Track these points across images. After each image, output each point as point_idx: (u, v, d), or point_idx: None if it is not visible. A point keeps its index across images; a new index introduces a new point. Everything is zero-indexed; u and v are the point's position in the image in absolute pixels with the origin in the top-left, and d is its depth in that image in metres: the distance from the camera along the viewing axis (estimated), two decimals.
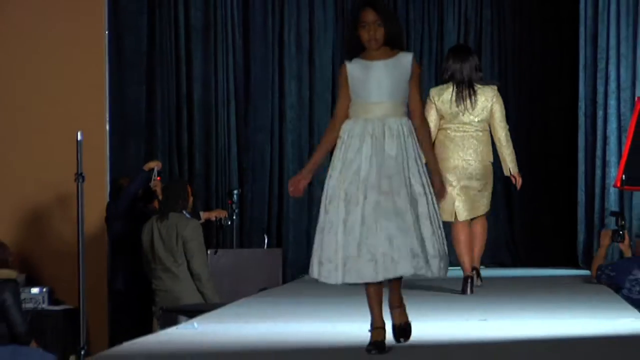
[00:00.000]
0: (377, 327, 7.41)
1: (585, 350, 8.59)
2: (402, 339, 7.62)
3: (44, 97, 14.65)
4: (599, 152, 15.74)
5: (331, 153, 7.61)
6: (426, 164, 7.83)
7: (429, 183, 7.47)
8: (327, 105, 17.39)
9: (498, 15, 17.46)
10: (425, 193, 7.39)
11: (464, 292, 12.44)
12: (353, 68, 7.48)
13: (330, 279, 7.32)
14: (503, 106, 12.79)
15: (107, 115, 14.85)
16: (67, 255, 14.06)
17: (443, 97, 12.55)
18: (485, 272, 15.38)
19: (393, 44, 7.46)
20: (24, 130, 14.56)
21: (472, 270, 12.69)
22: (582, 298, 12.43)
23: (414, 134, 7.46)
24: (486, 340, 9.11)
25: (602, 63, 15.73)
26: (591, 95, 15.83)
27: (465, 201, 12.68)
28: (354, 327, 8.51)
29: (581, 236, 16.02)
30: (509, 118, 14.95)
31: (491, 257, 16.30)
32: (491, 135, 12.70)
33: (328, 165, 7.53)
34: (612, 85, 15.65)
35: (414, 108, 7.51)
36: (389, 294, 7.58)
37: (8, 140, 14.61)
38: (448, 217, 12.40)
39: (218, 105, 16.98)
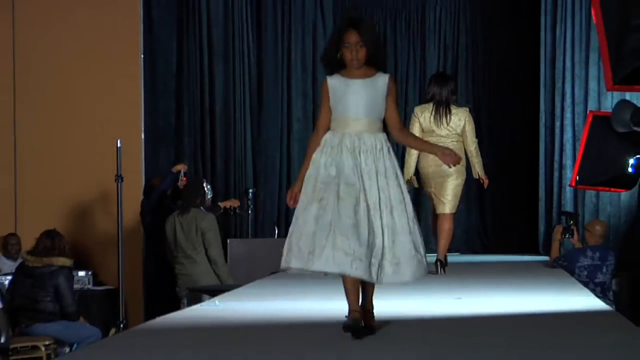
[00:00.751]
0: (353, 310, 7.00)
1: (544, 323, 8.65)
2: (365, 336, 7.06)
3: (90, 111, 14.71)
4: (556, 157, 15.85)
5: None
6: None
7: (404, 194, 7.09)
8: None
9: (472, 43, 17.42)
10: (401, 201, 7.01)
11: (437, 272, 12.80)
12: (334, 83, 7.12)
13: (300, 264, 6.97)
14: (473, 125, 13.18)
15: (142, 125, 14.79)
16: (109, 243, 14.19)
17: (425, 114, 13.04)
18: (461, 257, 15.71)
19: (373, 64, 7.11)
20: (73, 139, 14.50)
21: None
22: (542, 280, 12.51)
23: (388, 148, 7.10)
24: (460, 315, 9.21)
25: (559, 82, 15.83)
26: (550, 109, 15.92)
27: (441, 199, 13.09)
28: None
29: (541, 227, 16.17)
30: (482, 130, 15.58)
31: (465, 245, 16.47)
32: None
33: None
34: (568, 101, 15.71)
35: (393, 120, 7.18)
36: (361, 299, 7.18)
37: (60, 147, 14.53)
38: (439, 209, 13.08)
39: (236, 117, 17.00)
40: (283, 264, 7.12)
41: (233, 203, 15.58)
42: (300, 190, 7.08)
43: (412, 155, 13.01)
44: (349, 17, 7.25)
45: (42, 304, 11.83)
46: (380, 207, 6.97)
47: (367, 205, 6.94)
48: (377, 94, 7.08)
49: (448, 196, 13.07)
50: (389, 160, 7.07)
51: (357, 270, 6.80)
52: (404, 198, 7.05)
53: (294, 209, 7.11)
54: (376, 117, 7.10)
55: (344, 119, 7.05)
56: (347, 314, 7.10)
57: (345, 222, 6.83)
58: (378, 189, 6.97)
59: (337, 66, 7.14)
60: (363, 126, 7.03)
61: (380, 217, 6.97)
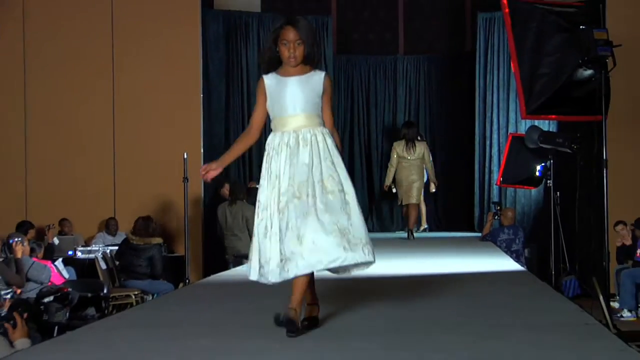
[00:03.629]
0: (290, 307, 5.09)
1: (477, 277, 8.75)
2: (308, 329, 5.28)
3: (165, 133, 14.63)
4: (487, 165, 15.81)
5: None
6: None
7: (347, 181, 5.30)
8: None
9: (428, 87, 17.28)
10: (341, 191, 5.24)
11: (408, 238, 14.25)
12: (269, 81, 5.43)
13: (269, 279, 5.21)
14: (429, 151, 14.98)
15: (202, 143, 14.68)
16: (179, 224, 14.22)
17: (400, 147, 14.76)
18: (423, 233, 15.77)
19: (309, 62, 5.42)
20: (156, 152, 14.33)
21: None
22: (476, 249, 12.50)
23: (329, 139, 5.38)
24: (420, 274, 9.27)
25: (489, 113, 15.80)
26: (482, 132, 15.89)
27: (409, 195, 14.59)
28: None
29: (476, 213, 16.09)
30: (436, 147, 15.73)
31: (427, 224, 16.49)
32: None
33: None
34: (495, 127, 15.66)
35: (326, 120, 5.45)
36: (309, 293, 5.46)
37: (147, 157, 14.40)
38: (406, 202, 14.76)
39: (266, 134, 16.55)
40: (252, 278, 5.40)
41: None
42: (217, 170, 5.48)
43: (392, 169, 14.76)
44: (287, 17, 5.51)
45: (138, 268, 11.93)
46: (326, 197, 5.20)
47: (311, 201, 5.17)
48: (313, 91, 5.39)
49: (413, 193, 14.69)
50: (330, 152, 5.33)
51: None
52: (342, 187, 5.27)
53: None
54: (314, 114, 5.38)
55: (282, 119, 5.37)
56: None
57: (291, 228, 5.12)
58: (317, 184, 5.20)
59: (275, 65, 5.48)
60: (301, 121, 5.34)
61: (325, 207, 5.17)
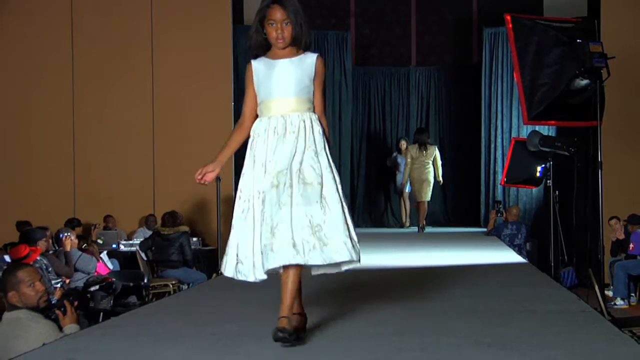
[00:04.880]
0: (281, 316, 4.30)
1: (483, 269, 8.77)
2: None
3: (198, 135, 14.62)
4: (492, 166, 15.77)
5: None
6: None
7: (329, 172, 4.45)
8: (348, 144, 16.90)
9: (438, 95, 17.30)
10: (319, 183, 4.39)
11: (419, 232, 14.88)
12: (258, 66, 4.61)
13: (248, 277, 4.44)
14: (439, 154, 15.17)
15: None
16: (211, 219, 14.25)
17: (413, 150, 15.07)
18: (432, 228, 15.73)
19: (299, 44, 4.59)
20: (191, 153, 14.30)
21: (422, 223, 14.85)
22: (482, 243, 12.48)
23: (317, 126, 4.54)
24: (425, 265, 9.28)
25: (494, 120, 15.74)
26: (487, 136, 15.84)
27: (421, 193, 14.90)
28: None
29: (482, 210, 16.01)
30: (447, 151, 15.64)
31: (435, 220, 16.45)
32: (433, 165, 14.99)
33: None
34: (499, 131, 15.64)
35: (317, 105, 4.63)
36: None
37: (182, 158, 14.44)
38: (418, 199, 15.10)
39: None
40: (227, 274, 4.56)
41: None
42: (215, 172, 4.68)
43: (407, 169, 15.22)
44: None
45: (170, 256, 11.97)
46: (304, 187, 4.39)
47: (290, 191, 4.36)
48: (304, 73, 4.57)
49: (425, 191, 14.96)
50: (317, 140, 4.51)
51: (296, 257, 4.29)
52: (322, 179, 4.42)
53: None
54: (305, 98, 4.56)
55: (269, 102, 4.55)
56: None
57: (266, 220, 4.36)
58: (298, 173, 4.39)
59: (263, 48, 4.65)
60: (291, 105, 4.52)
61: (303, 199, 4.36)
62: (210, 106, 14.83)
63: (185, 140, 14.85)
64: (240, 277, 4.47)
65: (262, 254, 4.36)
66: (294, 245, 4.27)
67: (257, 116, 4.63)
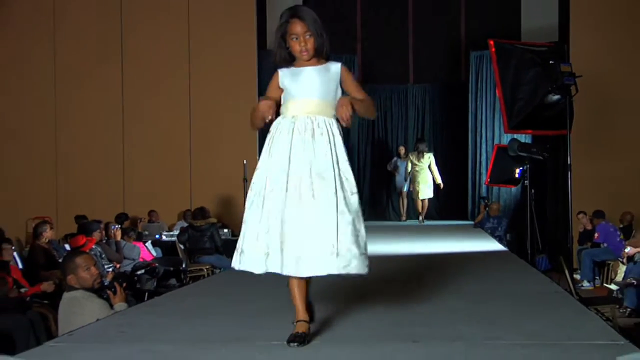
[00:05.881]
0: (299, 320, 3.81)
1: (470, 256, 8.70)
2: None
3: (228, 144, 14.60)
4: (477, 168, 15.71)
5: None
6: None
7: (347, 178, 3.80)
8: (355, 149, 16.80)
9: (432, 108, 17.25)
10: (336, 189, 3.72)
11: (419, 223, 15.03)
12: (284, 75, 3.95)
13: (253, 267, 3.77)
14: (434, 160, 15.27)
15: (257, 153, 14.77)
16: (239, 214, 14.32)
17: (413, 156, 15.26)
18: (427, 221, 15.69)
19: (321, 53, 3.95)
20: (223, 159, 14.50)
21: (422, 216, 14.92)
22: (469, 234, 12.42)
23: (337, 131, 3.86)
24: (420, 252, 9.23)
25: (479, 129, 15.65)
26: (474, 143, 15.76)
27: (419, 192, 15.16)
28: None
29: (469, 206, 15.97)
30: (439, 156, 15.66)
31: (429, 214, 16.37)
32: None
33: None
34: (484, 139, 15.56)
35: (361, 94, 3.99)
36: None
37: (217, 163, 14.54)
38: (421, 197, 15.34)
39: None
40: (237, 266, 3.85)
41: None
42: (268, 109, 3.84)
43: (408, 171, 15.45)
44: (290, 8, 4.02)
45: (204, 245, 11.95)
46: (343, 194, 3.76)
47: (326, 196, 3.71)
48: (329, 81, 3.94)
49: (424, 190, 15.31)
50: (334, 145, 3.82)
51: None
52: (341, 184, 3.76)
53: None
54: (329, 102, 3.90)
55: (294, 101, 3.90)
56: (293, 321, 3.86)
57: (291, 222, 3.70)
58: (336, 178, 3.76)
59: (289, 62, 4.00)
60: (316, 107, 3.88)
61: (339, 205, 3.73)
62: (239, 119, 14.69)
63: (217, 148, 14.83)
64: (243, 268, 3.82)
65: (267, 254, 3.74)
66: (299, 259, 3.66)
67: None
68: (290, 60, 3.99)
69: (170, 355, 3.60)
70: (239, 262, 3.82)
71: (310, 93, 3.91)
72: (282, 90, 3.97)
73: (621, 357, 3.26)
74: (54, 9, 15.03)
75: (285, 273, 3.72)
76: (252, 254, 3.77)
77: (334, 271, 3.66)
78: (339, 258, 3.66)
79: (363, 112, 3.97)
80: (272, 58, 4.07)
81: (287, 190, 3.76)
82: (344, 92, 4.01)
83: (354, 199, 3.80)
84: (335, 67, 3.99)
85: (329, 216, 3.70)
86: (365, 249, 3.78)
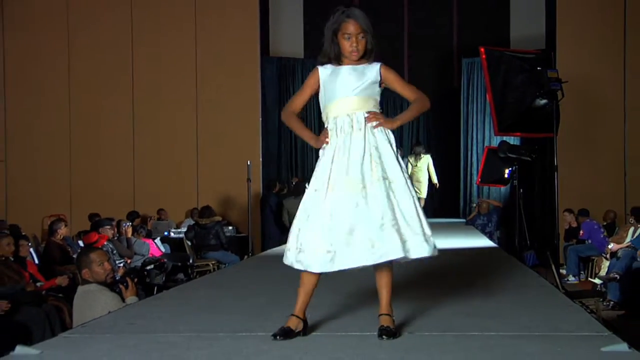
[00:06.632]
0: (294, 314, 3.72)
1: (461, 252, 8.70)
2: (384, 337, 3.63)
3: (233, 146, 14.57)
4: (469, 169, 15.75)
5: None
6: None
7: (394, 168, 3.74)
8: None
9: (426, 112, 17.50)
10: (385, 178, 3.67)
11: None
12: (325, 71, 3.80)
13: (310, 267, 3.62)
14: (431, 161, 15.42)
15: (260, 154, 14.77)
16: (244, 212, 14.19)
17: (412, 158, 15.40)
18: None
19: (370, 56, 3.83)
20: (226, 160, 14.49)
21: None
22: (461, 231, 12.45)
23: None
24: None
25: (470, 131, 15.70)
26: (466, 145, 15.80)
27: (418, 191, 14.77)
28: None
29: (461, 204, 16.01)
30: (436, 158, 15.60)
31: (424, 212, 16.38)
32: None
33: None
34: (475, 141, 15.61)
35: (413, 92, 3.99)
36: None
37: (219, 165, 14.50)
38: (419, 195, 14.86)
39: (306, 152, 16.13)
40: (294, 264, 3.70)
41: None
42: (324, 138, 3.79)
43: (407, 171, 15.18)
44: (345, 8, 3.83)
45: (209, 242, 11.96)
46: (377, 185, 3.65)
47: (362, 190, 3.62)
48: (368, 78, 3.80)
49: (421, 190, 15.29)
50: (384, 138, 3.84)
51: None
52: (388, 175, 3.71)
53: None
54: (369, 97, 3.81)
55: (334, 103, 3.78)
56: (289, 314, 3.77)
57: (336, 217, 3.61)
58: (366, 172, 3.67)
59: (336, 59, 3.83)
60: (353, 104, 3.76)
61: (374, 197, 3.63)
62: (243, 122, 14.86)
63: (223, 149, 14.79)
64: (298, 266, 3.68)
65: (330, 252, 3.59)
66: (372, 246, 3.56)
67: (298, 113, 3.92)
68: (337, 57, 3.83)
69: (178, 345, 3.60)
70: (295, 259, 3.69)
71: (346, 92, 3.79)
72: (317, 86, 3.87)
73: (606, 348, 3.26)
74: (67, 25, 15.04)
75: (354, 265, 3.60)
76: (313, 253, 3.63)
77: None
78: (429, 242, 3.76)
79: (415, 115, 4.05)
80: (322, 53, 3.88)
81: (333, 191, 3.67)
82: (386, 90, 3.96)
83: (381, 187, 3.68)
84: (375, 66, 3.86)
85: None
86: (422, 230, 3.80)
